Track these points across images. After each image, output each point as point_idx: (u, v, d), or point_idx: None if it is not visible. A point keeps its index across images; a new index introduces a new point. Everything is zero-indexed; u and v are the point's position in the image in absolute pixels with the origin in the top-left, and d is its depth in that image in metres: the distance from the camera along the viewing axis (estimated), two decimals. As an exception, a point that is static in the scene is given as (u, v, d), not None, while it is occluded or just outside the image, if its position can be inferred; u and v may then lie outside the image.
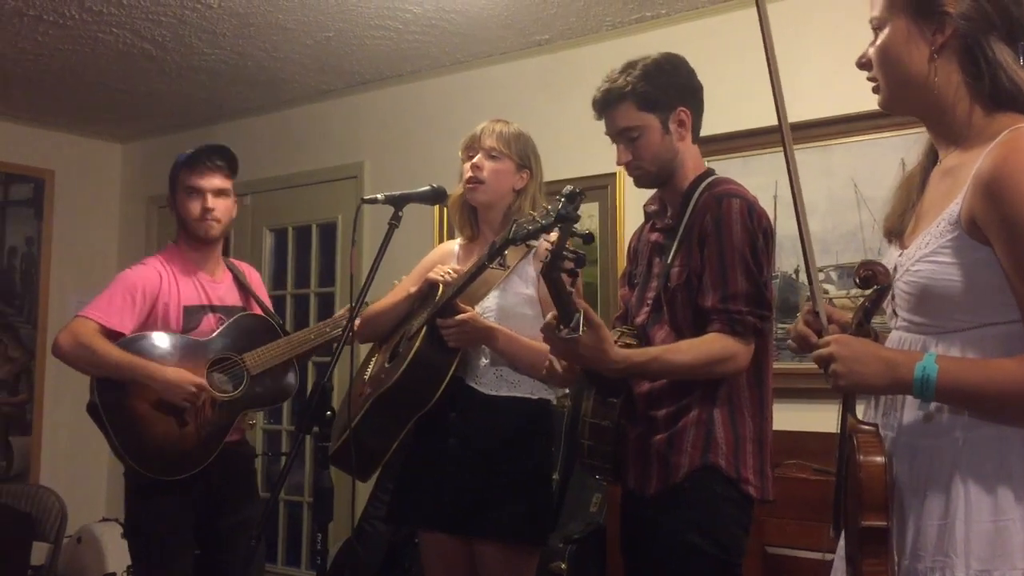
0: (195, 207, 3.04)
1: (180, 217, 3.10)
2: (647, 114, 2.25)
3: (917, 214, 1.61)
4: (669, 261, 2.23)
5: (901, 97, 1.59)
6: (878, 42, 1.58)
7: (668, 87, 2.27)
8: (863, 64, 1.62)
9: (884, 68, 1.58)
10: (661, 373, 2.17)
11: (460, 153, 2.75)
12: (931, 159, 1.65)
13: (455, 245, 2.86)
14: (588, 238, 2.03)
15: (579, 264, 1.98)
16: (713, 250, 2.14)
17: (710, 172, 2.32)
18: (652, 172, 2.30)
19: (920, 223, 1.58)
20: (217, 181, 3.08)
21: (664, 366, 2.14)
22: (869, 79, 1.62)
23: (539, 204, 2.68)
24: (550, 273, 2.01)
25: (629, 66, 2.28)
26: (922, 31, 1.52)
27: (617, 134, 2.30)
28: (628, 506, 2.33)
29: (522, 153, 2.70)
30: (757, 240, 2.14)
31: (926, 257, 1.50)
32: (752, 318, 2.12)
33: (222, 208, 3.08)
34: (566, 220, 2.03)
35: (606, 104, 2.29)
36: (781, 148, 1.67)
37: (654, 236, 2.36)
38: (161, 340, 2.95)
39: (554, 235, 2.05)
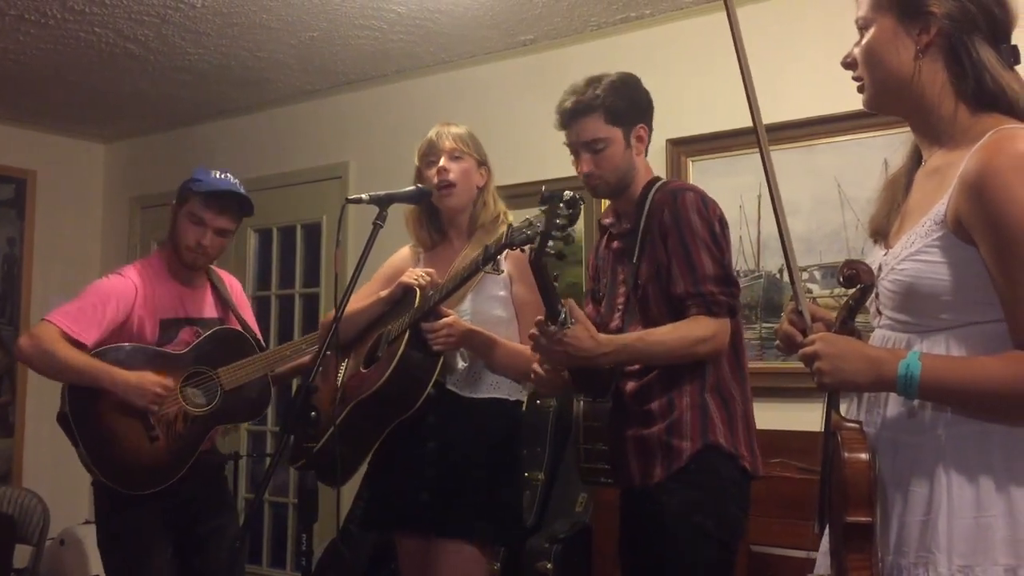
0: (192, 237, 2.98)
1: (174, 235, 3.03)
2: (614, 127, 2.35)
3: (902, 214, 1.63)
4: (635, 260, 2.31)
5: (886, 97, 1.61)
6: (863, 41, 1.59)
7: (632, 103, 2.38)
8: (848, 64, 1.64)
9: (869, 67, 1.59)
10: (648, 352, 2.24)
11: (417, 161, 2.74)
12: (915, 160, 1.67)
13: (412, 252, 2.83)
14: (574, 216, 2.07)
15: (567, 242, 2.07)
16: (676, 240, 2.26)
17: (659, 178, 2.44)
18: (612, 183, 2.40)
19: (905, 223, 1.60)
20: (223, 222, 3.01)
21: (649, 345, 2.23)
22: (854, 78, 1.63)
23: (499, 200, 2.72)
24: (538, 258, 2.08)
25: (594, 80, 2.37)
26: (908, 31, 1.54)
27: (582, 145, 2.38)
28: (629, 504, 2.37)
29: (479, 150, 2.73)
30: (714, 226, 2.27)
31: (912, 256, 1.52)
32: (724, 297, 2.23)
33: (217, 246, 3.03)
34: (551, 201, 2.07)
35: (575, 115, 2.37)
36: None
37: (614, 244, 2.44)
38: (134, 352, 2.90)
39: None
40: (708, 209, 2.28)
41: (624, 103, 2.35)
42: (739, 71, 1.64)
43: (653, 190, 2.35)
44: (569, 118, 2.38)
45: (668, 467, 2.23)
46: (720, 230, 2.28)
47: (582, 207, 2.10)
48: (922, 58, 1.53)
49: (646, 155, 2.46)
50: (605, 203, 3.96)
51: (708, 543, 2.20)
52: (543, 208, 2.09)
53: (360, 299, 2.75)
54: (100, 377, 2.80)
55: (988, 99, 1.51)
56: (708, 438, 2.23)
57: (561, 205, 2.06)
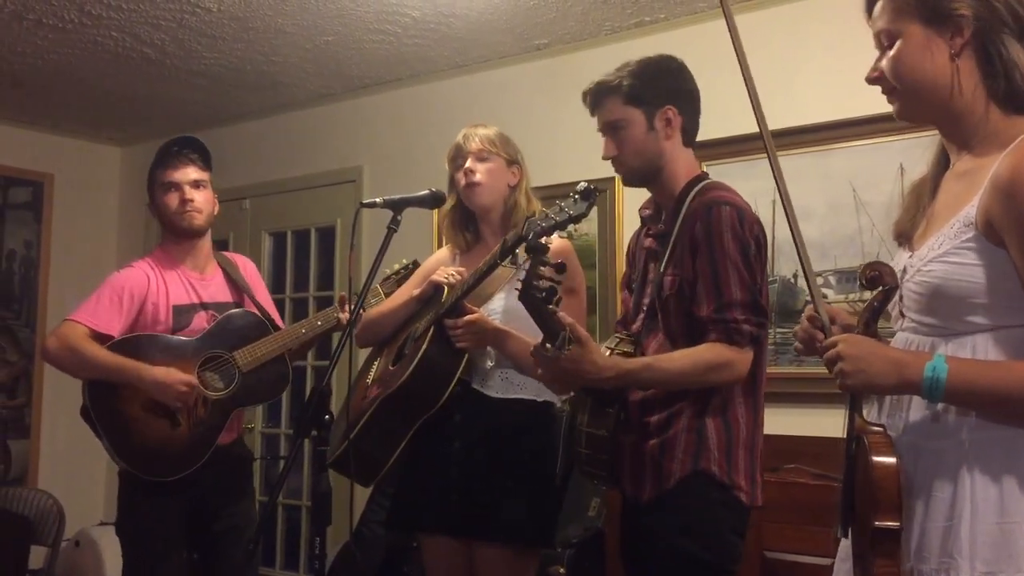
0: (173, 200, 3.05)
1: (162, 216, 3.11)
2: (632, 108, 2.26)
3: (928, 217, 1.61)
4: (662, 269, 2.22)
5: (921, 105, 1.58)
6: (893, 53, 1.56)
7: (656, 85, 2.27)
8: (875, 79, 1.61)
9: (904, 77, 1.56)
10: (654, 381, 2.16)
11: (447, 166, 2.76)
12: (942, 164, 1.65)
13: (450, 251, 2.86)
14: (560, 267, 2.06)
15: (552, 293, 2.03)
16: (705, 259, 2.13)
17: (703, 177, 2.31)
18: (635, 168, 2.30)
19: (932, 225, 1.58)
20: (192, 173, 3.08)
21: (656, 374, 2.14)
22: (884, 92, 1.61)
23: (533, 199, 2.71)
24: (525, 297, 2.05)
25: (625, 64, 2.30)
26: (939, 35, 1.52)
27: (604, 127, 2.31)
28: (626, 513, 2.33)
29: (509, 149, 2.73)
30: (749, 248, 2.13)
31: (939, 258, 1.50)
32: (748, 326, 2.10)
33: (201, 199, 3.07)
34: (535, 250, 2.06)
35: (596, 97, 2.31)
36: (782, 152, 1.67)
37: (648, 242, 2.36)
38: (151, 341, 2.94)
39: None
40: (744, 227, 2.12)
41: (643, 84, 2.25)
42: (743, 78, 1.64)
43: (692, 193, 2.23)
44: (591, 102, 2.32)
45: (657, 487, 2.15)
46: (755, 251, 2.13)
47: (596, 198, 2.11)
48: (957, 61, 1.52)
49: (687, 143, 2.31)
50: (620, 200, 4.01)
51: (696, 568, 2.11)
52: (528, 254, 2.07)
53: (397, 298, 2.80)
54: (128, 374, 2.85)
55: (1021, 99, 1.50)
56: (700, 464, 2.12)
57: (547, 255, 2.05)
